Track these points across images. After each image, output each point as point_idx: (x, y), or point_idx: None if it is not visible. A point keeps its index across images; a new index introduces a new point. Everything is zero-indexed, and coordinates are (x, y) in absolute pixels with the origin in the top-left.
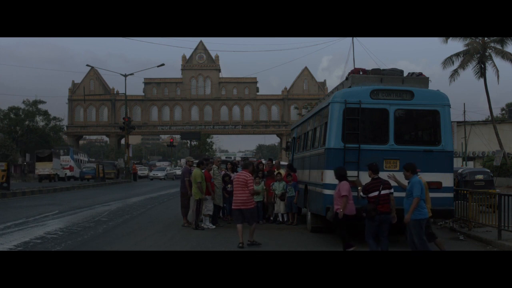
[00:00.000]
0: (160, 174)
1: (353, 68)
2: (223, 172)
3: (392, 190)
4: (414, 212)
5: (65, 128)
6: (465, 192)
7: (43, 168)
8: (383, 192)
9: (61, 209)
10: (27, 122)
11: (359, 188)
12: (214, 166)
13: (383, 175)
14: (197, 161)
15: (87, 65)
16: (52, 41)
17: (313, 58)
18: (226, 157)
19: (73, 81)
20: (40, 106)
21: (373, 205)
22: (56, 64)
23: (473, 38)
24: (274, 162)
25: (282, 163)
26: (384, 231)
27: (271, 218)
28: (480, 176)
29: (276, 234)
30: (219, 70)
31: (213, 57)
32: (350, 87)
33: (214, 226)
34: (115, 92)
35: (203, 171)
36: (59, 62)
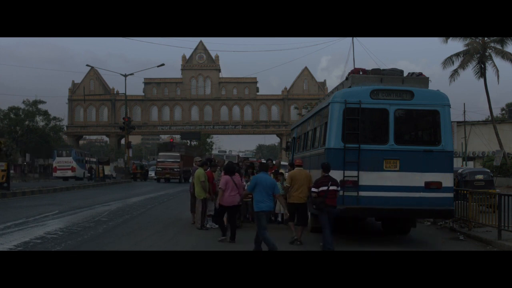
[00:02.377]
0: (153, 174)
1: (353, 68)
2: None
3: (339, 188)
4: (253, 205)
5: (65, 128)
6: (465, 192)
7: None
8: (331, 188)
9: (61, 209)
10: (27, 122)
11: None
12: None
13: (383, 175)
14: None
15: (87, 65)
16: (52, 41)
17: (313, 58)
18: (219, 151)
19: (73, 81)
20: (40, 106)
21: (321, 198)
22: (56, 64)
23: (473, 38)
24: (274, 162)
25: (282, 163)
26: (330, 222)
27: (272, 218)
28: (480, 176)
29: (276, 234)
30: (219, 70)
31: (213, 57)
32: (350, 87)
33: (217, 226)
34: (115, 92)
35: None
36: (59, 62)
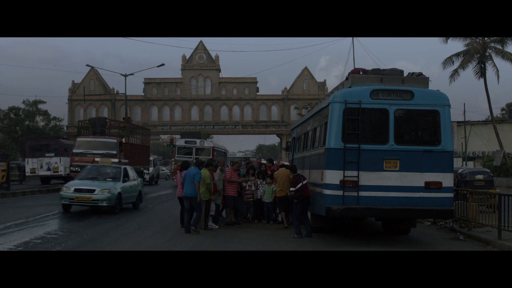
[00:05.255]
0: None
1: (353, 68)
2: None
3: (307, 180)
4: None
5: (65, 128)
6: (465, 192)
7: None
8: (304, 182)
9: (61, 209)
10: (27, 122)
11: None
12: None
13: (383, 175)
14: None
15: (87, 65)
16: (51, 41)
17: (313, 58)
18: (186, 142)
19: (73, 81)
20: (40, 106)
21: (299, 193)
22: (54, 63)
23: (473, 38)
24: (275, 162)
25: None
26: (305, 211)
27: (273, 218)
28: (480, 176)
29: (276, 234)
30: (219, 70)
31: (213, 57)
32: (350, 87)
33: (217, 226)
34: (115, 92)
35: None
36: (57, 62)
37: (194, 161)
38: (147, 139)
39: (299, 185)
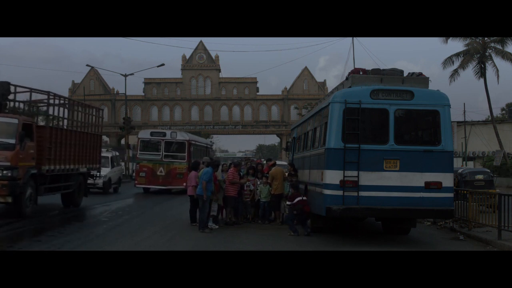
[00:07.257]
0: None
1: (353, 68)
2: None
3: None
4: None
5: None
6: (465, 192)
7: None
8: (303, 198)
9: (60, 209)
10: None
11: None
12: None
13: (383, 175)
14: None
15: (87, 65)
16: (51, 41)
17: (313, 58)
18: (151, 135)
19: (73, 81)
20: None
21: (300, 206)
22: (54, 64)
23: (473, 38)
24: (266, 162)
25: (281, 162)
26: (304, 221)
27: (272, 218)
28: (480, 176)
29: (276, 234)
30: (219, 70)
31: (213, 57)
32: (350, 87)
33: (217, 226)
34: (115, 92)
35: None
36: (56, 62)
37: (163, 158)
38: (98, 125)
39: (297, 199)
